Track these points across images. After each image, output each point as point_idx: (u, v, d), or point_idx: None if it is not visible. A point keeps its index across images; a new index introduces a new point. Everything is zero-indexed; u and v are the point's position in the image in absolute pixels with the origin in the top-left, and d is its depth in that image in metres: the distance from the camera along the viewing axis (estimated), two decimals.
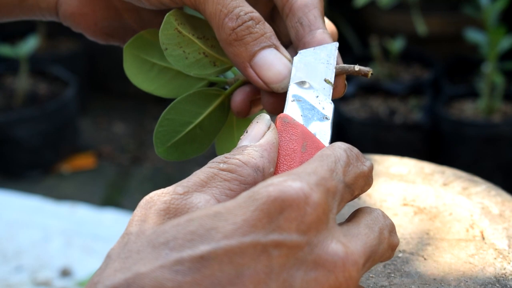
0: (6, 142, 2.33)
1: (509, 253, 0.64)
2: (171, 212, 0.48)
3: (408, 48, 2.43)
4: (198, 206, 0.49)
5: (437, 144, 2.25)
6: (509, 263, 0.63)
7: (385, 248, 0.51)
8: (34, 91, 2.45)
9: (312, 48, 0.60)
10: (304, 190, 0.46)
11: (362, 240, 0.49)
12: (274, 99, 0.61)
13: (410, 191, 0.72)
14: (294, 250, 0.46)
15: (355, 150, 0.52)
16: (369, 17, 2.61)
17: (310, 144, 0.55)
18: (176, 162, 2.43)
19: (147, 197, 0.50)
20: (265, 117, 0.55)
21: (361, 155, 0.52)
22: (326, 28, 0.61)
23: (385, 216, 0.52)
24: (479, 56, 2.18)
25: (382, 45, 2.36)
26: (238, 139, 0.67)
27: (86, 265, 1.87)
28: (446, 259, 0.63)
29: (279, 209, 0.46)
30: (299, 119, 0.56)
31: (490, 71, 2.14)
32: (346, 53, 2.50)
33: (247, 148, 0.52)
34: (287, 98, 0.57)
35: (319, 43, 0.60)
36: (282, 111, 0.59)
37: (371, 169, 0.52)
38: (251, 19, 0.58)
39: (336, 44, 0.60)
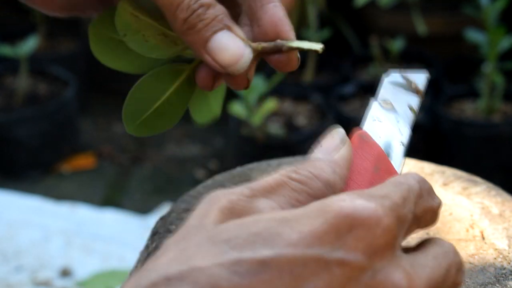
0: (6, 142, 2.33)
1: (509, 253, 0.64)
2: (235, 213, 0.47)
3: (408, 48, 2.43)
4: (262, 212, 0.47)
5: (437, 144, 2.25)
6: (509, 263, 0.63)
7: (449, 286, 0.49)
8: (34, 91, 2.45)
9: (403, 72, 0.59)
10: (378, 212, 0.45)
11: (427, 273, 0.47)
12: (235, 78, 0.61)
13: None
14: (357, 272, 0.44)
15: (428, 184, 0.50)
16: (369, 17, 2.61)
17: (383, 167, 0.53)
18: (177, 162, 2.43)
19: (212, 194, 0.48)
20: (340, 131, 0.53)
21: (433, 191, 0.50)
22: (277, 1, 0.60)
23: (455, 252, 0.50)
24: (479, 56, 2.18)
25: (382, 45, 2.36)
26: (213, 100, 0.67)
27: (86, 265, 1.87)
28: None
29: (349, 227, 0.44)
30: (376, 139, 0.55)
31: (490, 71, 2.13)
32: (346, 53, 2.50)
33: (319, 162, 0.51)
34: (368, 115, 0.57)
35: (271, 18, 0.59)
36: (246, 87, 0.59)
37: (440, 206, 0.50)
38: (201, 5, 0.58)
39: (427, 74, 0.59)
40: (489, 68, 2.14)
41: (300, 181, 0.49)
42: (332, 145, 0.52)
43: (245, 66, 0.59)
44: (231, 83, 0.61)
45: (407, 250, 0.49)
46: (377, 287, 0.45)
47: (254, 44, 0.60)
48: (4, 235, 1.97)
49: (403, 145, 0.56)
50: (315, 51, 0.60)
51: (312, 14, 2.31)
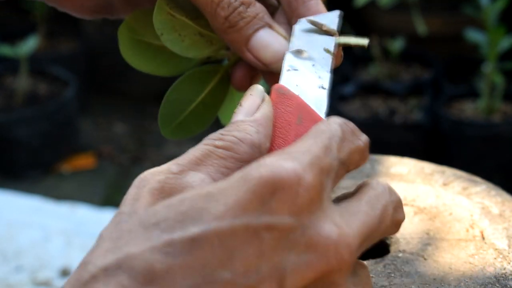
0: (6, 142, 2.33)
1: (509, 253, 0.64)
2: (165, 192, 0.48)
3: (408, 48, 2.43)
4: (192, 186, 0.48)
5: (437, 144, 2.25)
6: (509, 263, 0.63)
7: (388, 226, 0.50)
8: (34, 91, 2.46)
9: (313, 16, 0.59)
10: (297, 171, 0.45)
11: (360, 219, 0.48)
12: (276, 76, 0.60)
13: (410, 191, 0.72)
14: (285, 233, 0.45)
15: (351, 124, 0.51)
16: (369, 17, 2.61)
17: (305, 116, 0.53)
18: None
19: (141, 176, 0.49)
20: (258, 89, 0.54)
21: (357, 130, 0.51)
22: None
23: (391, 191, 0.50)
24: (479, 56, 2.18)
25: (382, 45, 2.36)
26: (238, 100, 0.67)
27: None
28: (446, 259, 0.63)
29: (271, 191, 0.45)
30: (295, 89, 0.55)
31: (490, 71, 2.14)
32: (346, 53, 2.50)
33: (242, 124, 0.51)
34: (282, 67, 0.56)
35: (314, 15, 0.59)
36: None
37: (367, 143, 0.51)
38: (242, 3, 0.58)
39: (338, 12, 0.59)
40: (489, 68, 2.14)
41: (225, 148, 0.50)
42: (252, 104, 0.53)
43: None
44: (272, 81, 0.60)
45: (343, 198, 0.50)
46: (307, 243, 0.45)
47: None
48: (4, 235, 1.97)
49: (324, 88, 0.55)
50: (362, 46, 0.59)
51: None
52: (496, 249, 0.65)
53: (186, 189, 0.48)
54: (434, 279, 0.61)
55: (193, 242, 0.43)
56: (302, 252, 0.45)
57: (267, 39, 0.58)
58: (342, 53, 0.61)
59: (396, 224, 0.51)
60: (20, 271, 1.86)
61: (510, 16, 2.39)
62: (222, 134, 0.50)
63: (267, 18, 0.59)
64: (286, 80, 0.55)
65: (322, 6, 0.60)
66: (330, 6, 0.66)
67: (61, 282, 1.83)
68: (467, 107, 2.26)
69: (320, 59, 0.57)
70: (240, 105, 0.53)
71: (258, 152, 0.50)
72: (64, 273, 1.85)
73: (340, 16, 0.60)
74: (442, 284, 0.61)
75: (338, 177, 0.49)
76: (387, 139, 2.22)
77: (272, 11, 0.62)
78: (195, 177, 0.48)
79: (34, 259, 1.89)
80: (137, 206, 0.47)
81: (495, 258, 0.64)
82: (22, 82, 2.40)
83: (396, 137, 2.23)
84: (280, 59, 0.58)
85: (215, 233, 0.44)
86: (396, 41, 2.36)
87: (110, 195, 2.28)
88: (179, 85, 0.62)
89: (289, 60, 0.57)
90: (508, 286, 0.61)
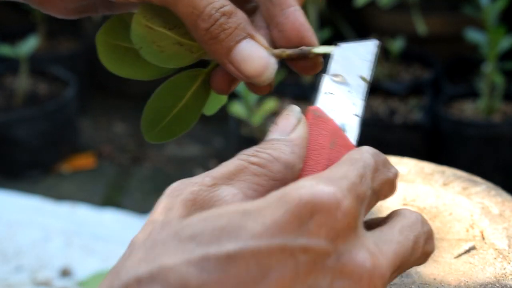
0: (6, 142, 2.33)
1: (509, 253, 0.64)
2: (197, 204, 0.47)
3: (408, 48, 2.43)
4: (225, 200, 0.48)
5: (437, 144, 2.25)
6: (509, 263, 0.63)
7: (418, 257, 0.50)
8: (34, 91, 2.46)
9: (352, 43, 0.59)
10: (337, 195, 0.45)
11: (393, 249, 0.48)
12: (258, 88, 0.60)
13: (410, 191, 0.72)
14: (321, 256, 0.45)
15: (382, 156, 0.51)
16: (369, 17, 2.61)
17: (339, 141, 0.54)
18: (177, 162, 2.43)
19: (174, 185, 0.48)
20: (295, 110, 0.54)
21: (388, 162, 0.51)
22: (297, 4, 0.59)
23: (423, 222, 0.50)
24: (479, 56, 2.18)
25: (382, 45, 2.36)
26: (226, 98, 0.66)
27: (86, 265, 1.87)
28: (446, 259, 0.63)
29: (310, 213, 0.45)
30: (330, 114, 0.55)
31: (490, 71, 2.13)
32: None
33: (277, 143, 0.51)
34: (320, 90, 0.57)
35: (293, 24, 0.58)
36: (268, 93, 0.59)
37: (396, 176, 0.51)
38: (223, 14, 0.57)
39: (377, 42, 0.59)
40: (489, 68, 2.14)
41: (259, 165, 0.49)
42: (288, 124, 0.53)
43: (270, 77, 0.58)
44: (253, 89, 0.60)
45: (374, 225, 0.50)
46: (342, 269, 0.45)
47: (278, 51, 0.59)
48: (4, 235, 1.97)
49: (357, 116, 0.56)
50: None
51: (312, 14, 2.31)
52: (496, 249, 0.65)
53: (218, 203, 0.48)
54: (434, 279, 0.61)
55: (229, 259, 0.43)
56: (336, 278, 0.45)
57: (248, 52, 0.57)
58: (322, 60, 0.60)
59: (426, 255, 0.51)
60: (20, 271, 1.86)
61: (510, 16, 2.39)
62: (257, 151, 0.50)
63: (248, 28, 0.58)
64: (322, 103, 0.56)
65: (300, 13, 0.59)
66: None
67: (61, 282, 1.83)
68: (467, 107, 2.26)
69: (355, 85, 0.58)
70: (276, 124, 0.53)
71: (291, 172, 0.50)
72: (64, 273, 1.85)
73: (378, 46, 0.59)
74: (442, 284, 0.61)
75: (370, 206, 0.49)
76: (387, 139, 2.22)
77: (252, 9, 0.62)
78: (227, 191, 0.48)
79: (34, 259, 1.89)
80: (171, 216, 0.46)
81: (495, 258, 0.64)
82: (22, 82, 2.40)
83: (396, 137, 2.23)
84: (261, 73, 0.57)
85: (251, 251, 0.43)
86: (396, 41, 2.36)
87: (110, 195, 2.28)
88: (161, 92, 0.62)
89: (326, 84, 0.57)
90: (508, 286, 0.61)
